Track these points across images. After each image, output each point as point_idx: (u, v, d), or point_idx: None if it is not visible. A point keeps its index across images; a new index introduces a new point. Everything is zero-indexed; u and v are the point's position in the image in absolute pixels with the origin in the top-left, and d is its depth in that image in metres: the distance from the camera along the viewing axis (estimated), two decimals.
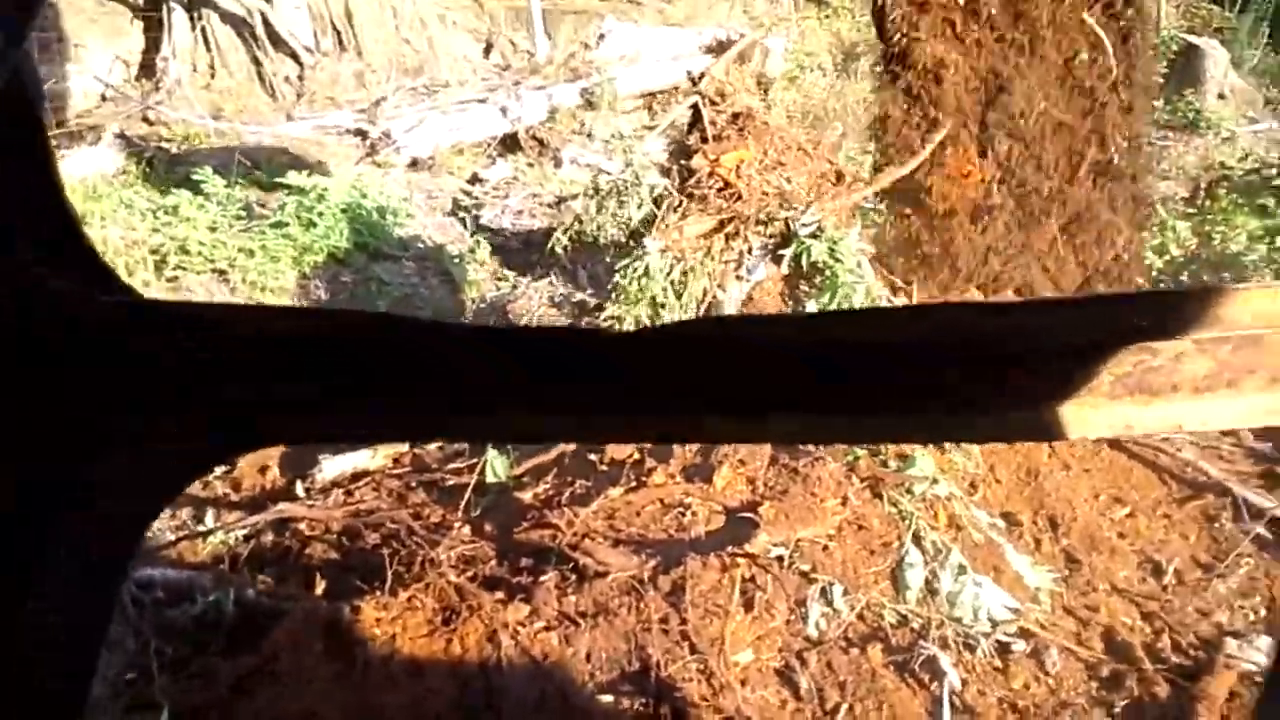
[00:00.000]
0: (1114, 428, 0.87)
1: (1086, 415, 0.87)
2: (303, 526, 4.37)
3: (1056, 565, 4.24)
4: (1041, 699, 3.65)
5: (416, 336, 0.81)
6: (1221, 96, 11.61)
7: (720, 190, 4.44)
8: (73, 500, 0.81)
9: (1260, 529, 4.49)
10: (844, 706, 3.45)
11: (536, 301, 6.70)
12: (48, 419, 0.79)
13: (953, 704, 3.51)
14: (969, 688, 3.61)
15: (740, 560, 3.68)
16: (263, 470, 4.94)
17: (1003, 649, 3.77)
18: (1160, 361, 0.83)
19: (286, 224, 7.28)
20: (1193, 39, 12.06)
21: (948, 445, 4.30)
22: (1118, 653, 3.87)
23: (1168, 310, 0.82)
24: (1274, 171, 7.97)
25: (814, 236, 4.34)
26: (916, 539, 3.85)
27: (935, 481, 4.00)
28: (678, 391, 0.82)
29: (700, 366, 0.81)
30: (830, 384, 0.81)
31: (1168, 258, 6.99)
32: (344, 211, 7.53)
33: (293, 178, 7.84)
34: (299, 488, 4.70)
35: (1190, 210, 7.73)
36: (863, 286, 4.31)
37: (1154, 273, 6.86)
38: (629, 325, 4.52)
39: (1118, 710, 3.60)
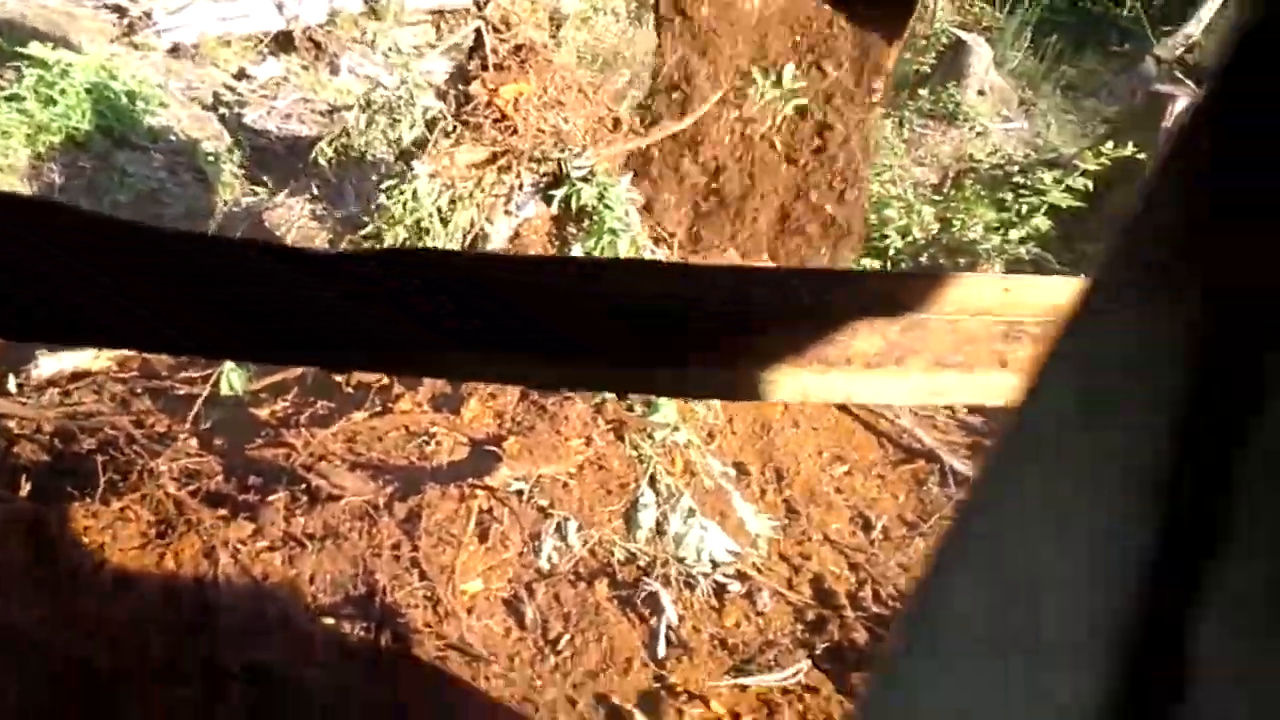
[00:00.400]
0: (792, 394, 0.92)
1: (772, 380, 0.92)
2: (11, 424, 4.03)
3: (777, 515, 4.49)
4: (750, 637, 3.88)
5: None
6: (981, 93, 12.41)
7: (496, 121, 4.37)
8: None
9: (963, 494, 4.92)
10: (565, 637, 3.55)
11: (297, 213, 6.39)
12: None
13: (668, 638, 3.68)
14: (685, 624, 3.80)
15: (479, 492, 3.70)
16: None
17: (720, 589, 3.98)
18: (837, 335, 0.89)
19: (23, 98, 6.60)
20: (962, 34, 12.82)
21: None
22: (824, 599, 4.16)
23: (846, 287, 0.88)
24: (1016, 168, 8.63)
25: (585, 180, 4.35)
26: (652, 481, 3.99)
27: (676, 429, 4.14)
28: (423, 321, 0.81)
29: (454, 300, 0.80)
30: (575, 332, 0.82)
31: (910, 239, 7.46)
32: (89, 92, 6.90)
33: (35, 49, 7.11)
34: (10, 383, 4.33)
35: (936, 197, 8.27)
36: (629, 235, 4.37)
37: (894, 252, 7.32)
38: (390, 245, 4.41)
39: (819, 651, 3.89)
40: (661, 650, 3.66)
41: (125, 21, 9.45)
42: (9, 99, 6.65)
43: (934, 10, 14.45)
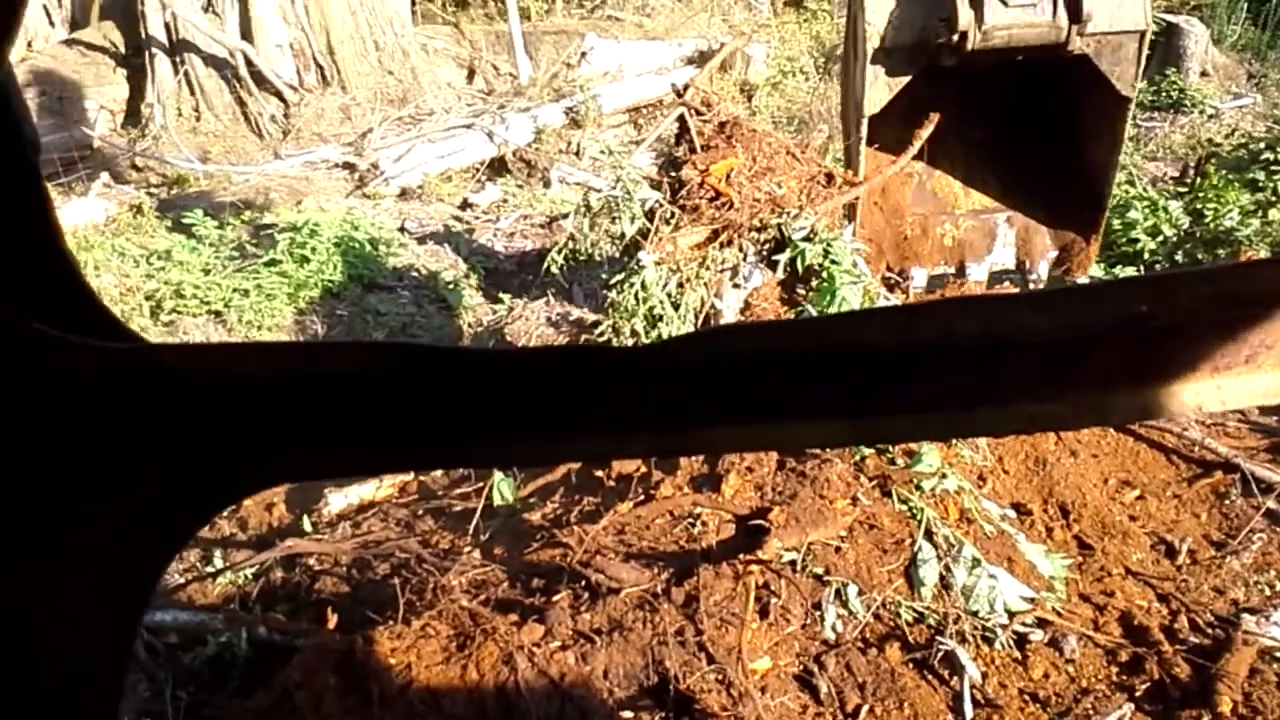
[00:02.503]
0: (1135, 413, 0.85)
1: (1101, 402, 0.86)
2: (312, 561, 4.35)
3: (1070, 552, 4.22)
4: (1062, 687, 3.62)
5: (412, 364, 0.80)
6: (1204, 74, 11.63)
7: (712, 200, 4.43)
8: (79, 553, 0.80)
9: (1270, 503, 4.47)
10: (864, 708, 3.42)
11: (534, 322, 6.69)
12: (49, 471, 0.79)
13: (974, 698, 3.49)
14: (989, 680, 3.59)
15: (753, 567, 3.65)
16: (269, 508, 4.93)
17: (1021, 640, 3.75)
18: (1170, 344, 0.82)
19: (280, 261, 7.28)
20: (1171, 18, 12.09)
21: (954, 439, 4.28)
22: (1136, 636, 3.85)
23: (1171, 291, 0.81)
24: (1261, 146, 7.97)
25: (808, 240, 4.33)
26: (928, 535, 3.83)
27: (944, 476, 3.98)
28: (680, 405, 0.81)
29: (697, 380, 0.80)
30: (832, 387, 0.80)
31: (1161, 238, 6.98)
32: (337, 245, 7.54)
33: (284, 215, 7.86)
34: (306, 523, 4.69)
35: (1181, 189, 7.72)
36: (859, 286, 4.30)
37: (1148, 254, 6.85)
38: (625, 338, 4.51)
39: (1139, 693, 3.58)
40: (969, 712, 3.47)
41: (356, 176, 10.32)
42: (268, 264, 7.34)
43: None
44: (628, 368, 0.80)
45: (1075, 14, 4.66)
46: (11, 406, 0.75)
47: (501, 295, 7.60)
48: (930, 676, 3.59)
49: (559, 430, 0.82)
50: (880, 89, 4.82)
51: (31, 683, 0.83)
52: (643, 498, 4.12)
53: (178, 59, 11.19)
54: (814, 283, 4.37)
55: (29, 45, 11.86)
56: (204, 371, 0.79)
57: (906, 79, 4.84)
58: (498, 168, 10.68)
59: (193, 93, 11.33)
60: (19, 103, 0.85)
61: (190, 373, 0.78)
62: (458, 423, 0.81)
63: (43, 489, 0.77)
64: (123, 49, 11.72)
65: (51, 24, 12.25)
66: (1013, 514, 4.29)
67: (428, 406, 0.79)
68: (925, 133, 4.92)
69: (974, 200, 5.81)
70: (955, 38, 4.65)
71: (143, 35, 11.21)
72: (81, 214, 8.85)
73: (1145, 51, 5.02)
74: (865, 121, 4.93)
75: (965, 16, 4.61)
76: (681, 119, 4.69)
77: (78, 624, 0.83)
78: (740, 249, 4.41)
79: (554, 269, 5.22)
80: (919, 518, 3.88)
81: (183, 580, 4.46)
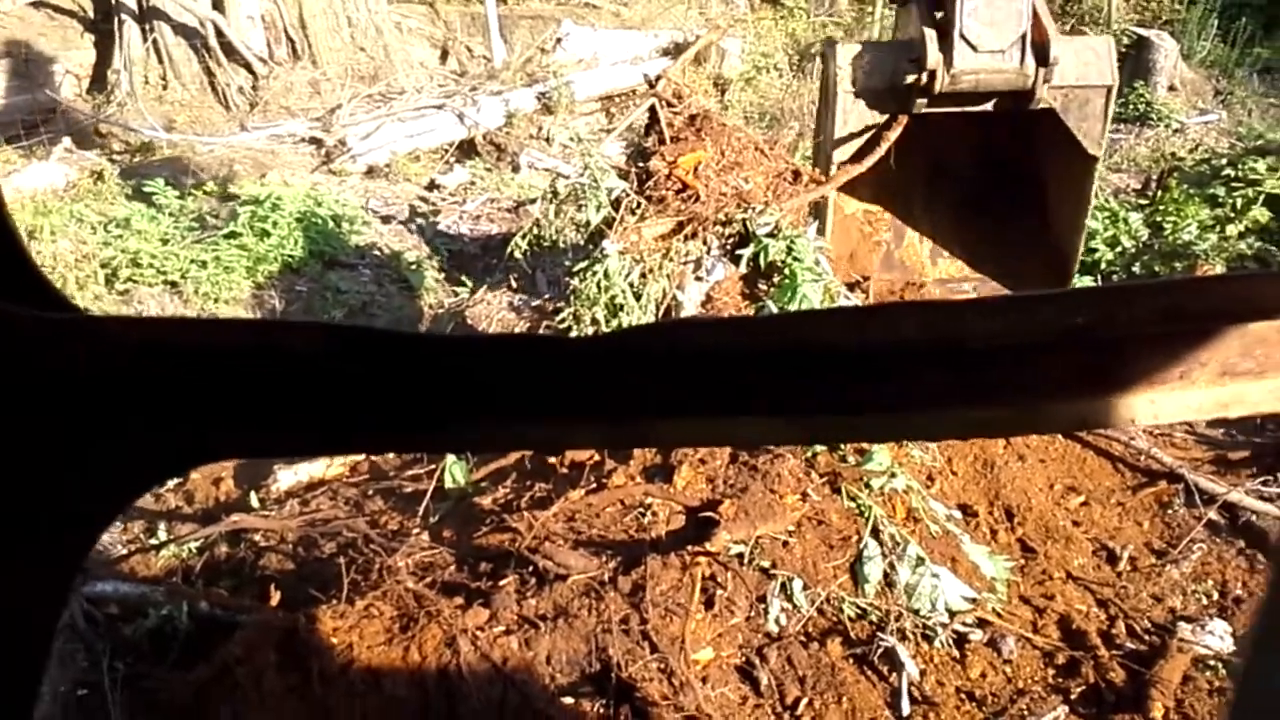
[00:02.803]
0: (1071, 423, 0.87)
1: (1043, 411, 0.87)
2: (257, 537, 4.32)
3: (1013, 555, 4.27)
4: (999, 687, 3.67)
5: (367, 348, 0.80)
6: (1172, 88, 11.77)
7: (678, 192, 4.44)
8: (14, 520, 0.80)
9: (1212, 514, 4.55)
10: (804, 701, 3.45)
11: (495, 307, 6.67)
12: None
13: (911, 695, 3.53)
14: (927, 678, 3.64)
15: (700, 559, 3.67)
16: (216, 482, 4.88)
17: (960, 639, 3.80)
18: (1109, 356, 0.83)
19: (240, 234, 7.20)
20: (1143, 31, 12.23)
21: (895, 441, 4.32)
22: (1074, 640, 3.91)
23: (1118, 304, 0.82)
24: (1224, 162, 8.09)
25: (771, 235, 4.34)
26: (875, 532, 3.87)
27: (893, 475, 4.01)
28: (629, 397, 0.81)
29: (648, 372, 0.80)
30: (782, 385, 0.81)
31: (1120, 249, 7.07)
32: (299, 220, 7.47)
33: (247, 188, 7.76)
34: (253, 498, 4.65)
35: (1142, 201, 7.82)
36: (820, 284, 4.32)
37: (1105, 264, 6.93)
38: (586, 327, 4.51)
39: (1074, 696, 3.64)
40: (906, 708, 3.51)
41: (323, 151, 10.20)
42: (228, 236, 7.25)
43: (1109, 11, 13.86)
44: (579, 357, 0.81)
45: (1043, 59, 4.73)
46: None
47: (464, 278, 7.56)
48: (870, 672, 3.63)
49: (507, 418, 0.82)
50: (852, 129, 4.91)
51: None
52: (594, 486, 4.12)
53: (147, 26, 11.01)
54: (776, 279, 4.38)
55: None
56: (145, 342, 0.78)
57: (876, 122, 4.91)
58: (467, 150, 10.62)
59: (161, 61, 11.15)
60: None
61: (131, 343, 0.78)
62: (406, 408, 0.81)
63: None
64: (91, 14, 11.52)
65: None
66: (959, 515, 4.34)
67: (377, 390, 0.79)
68: (893, 134, 4.94)
69: (941, 269, 5.87)
70: (924, 78, 4.74)
71: (112, 1, 11.03)
72: (41, 178, 8.69)
73: (1111, 109, 5.10)
74: (834, 166, 5.01)
75: (934, 58, 4.70)
76: (652, 110, 4.69)
77: (8, 594, 0.82)
78: (704, 242, 4.41)
79: (518, 254, 5.21)
80: (866, 515, 3.91)
81: (125, 552, 4.41)
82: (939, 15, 4.76)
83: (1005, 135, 5.43)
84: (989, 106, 4.99)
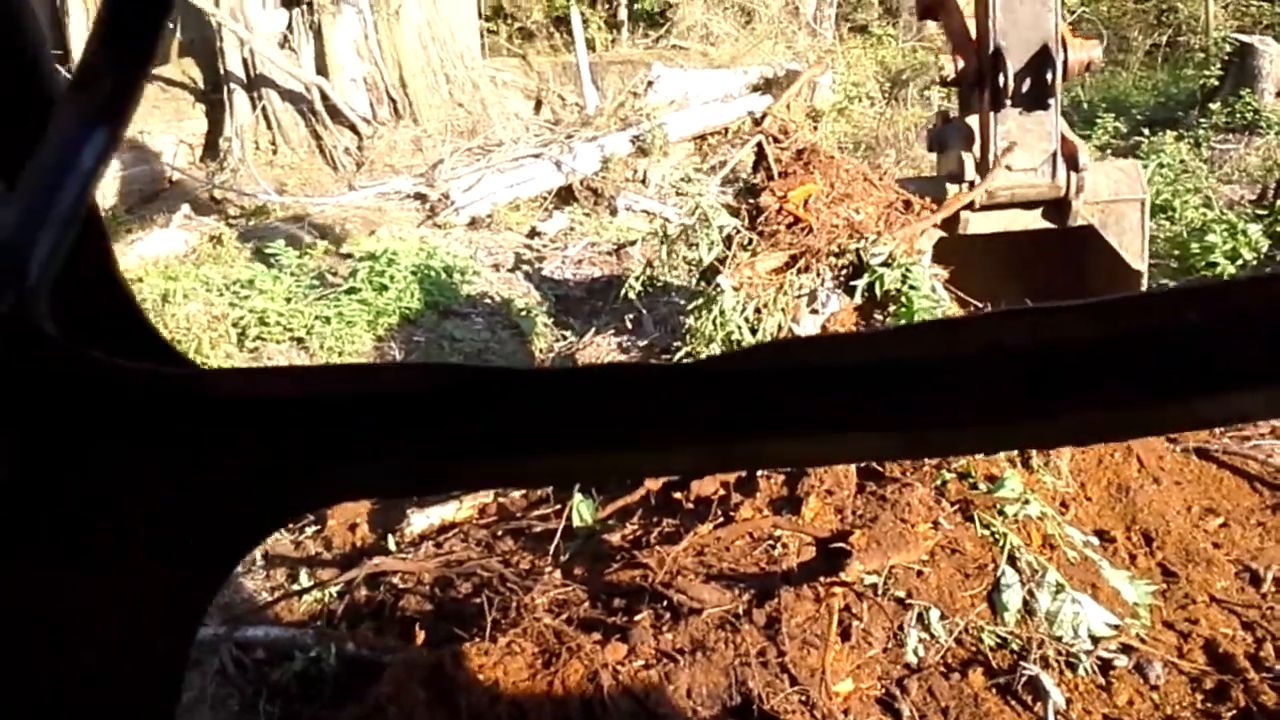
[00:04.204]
0: (1181, 424, 0.87)
1: (1147, 412, 0.86)
2: (396, 579, 4.44)
3: (1153, 579, 4.17)
4: (1147, 714, 3.58)
5: (456, 384, 0.83)
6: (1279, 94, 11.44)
7: (790, 226, 4.49)
8: (128, 583, 0.82)
9: None
10: None
11: (604, 349, 6.77)
12: (95, 498, 0.80)
13: None
14: (1073, 706, 3.56)
15: (835, 590, 3.67)
16: (352, 528, 5.04)
17: (1105, 666, 3.71)
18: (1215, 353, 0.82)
19: (359, 289, 7.47)
20: (1244, 38, 11.92)
21: (1036, 465, 4.27)
22: (1221, 663, 3.79)
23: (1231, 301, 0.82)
24: None
25: (886, 265, 4.36)
26: (1011, 560, 3.81)
27: (1026, 502, 3.96)
28: (725, 418, 0.84)
29: (742, 392, 0.82)
30: (880, 399, 0.83)
31: (1240, 262, 6.87)
32: (413, 273, 7.71)
33: (361, 244, 8.06)
34: (389, 542, 4.79)
35: (1260, 212, 7.60)
36: (938, 311, 4.31)
37: (1227, 278, 6.75)
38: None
39: None
40: None
41: (427, 206, 10.53)
42: (348, 292, 7.53)
43: (1206, 20, 13.55)
44: (670, 381, 0.82)
45: (1073, 166, 5.02)
46: (57, 428, 0.77)
47: (571, 321, 7.70)
48: (1014, 702, 3.56)
49: (603, 445, 0.84)
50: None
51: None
52: (722, 520, 4.15)
53: (255, 94, 11.53)
54: (892, 308, 4.39)
55: None
56: (249, 394, 0.81)
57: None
58: (565, 196, 10.84)
59: (269, 126, 11.67)
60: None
61: (236, 396, 0.80)
62: (501, 440, 0.82)
63: (90, 517, 0.79)
64: (201, 84, 12.11)
65: None
66: (1095, 541, 4.25)
67: (472, 425, 0.81)
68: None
69: None
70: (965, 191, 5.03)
71: (221, 71, 11.59)
72: (163, 245, 9.14)
73: (1148, 222, 5.37)
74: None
75: (971, 176, 5.04)
76: (759, 146, 4.76)
77: (121, 658, 0.85)
78: (818, 274, 4.45)
79: (631, 295, 5.30)
80: (1001, 543, 3.86)
81: (270, 598, 4.58)
82: (975, 138, 5.12)
83: (1050, 263, 5.49)
84: (1035, 215, 5.21)
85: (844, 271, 4.47)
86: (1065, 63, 4.77)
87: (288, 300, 7.29)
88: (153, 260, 8.68)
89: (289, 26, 11.57)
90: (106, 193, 10.53)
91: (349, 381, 0.86)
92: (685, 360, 4.55)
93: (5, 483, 0.77)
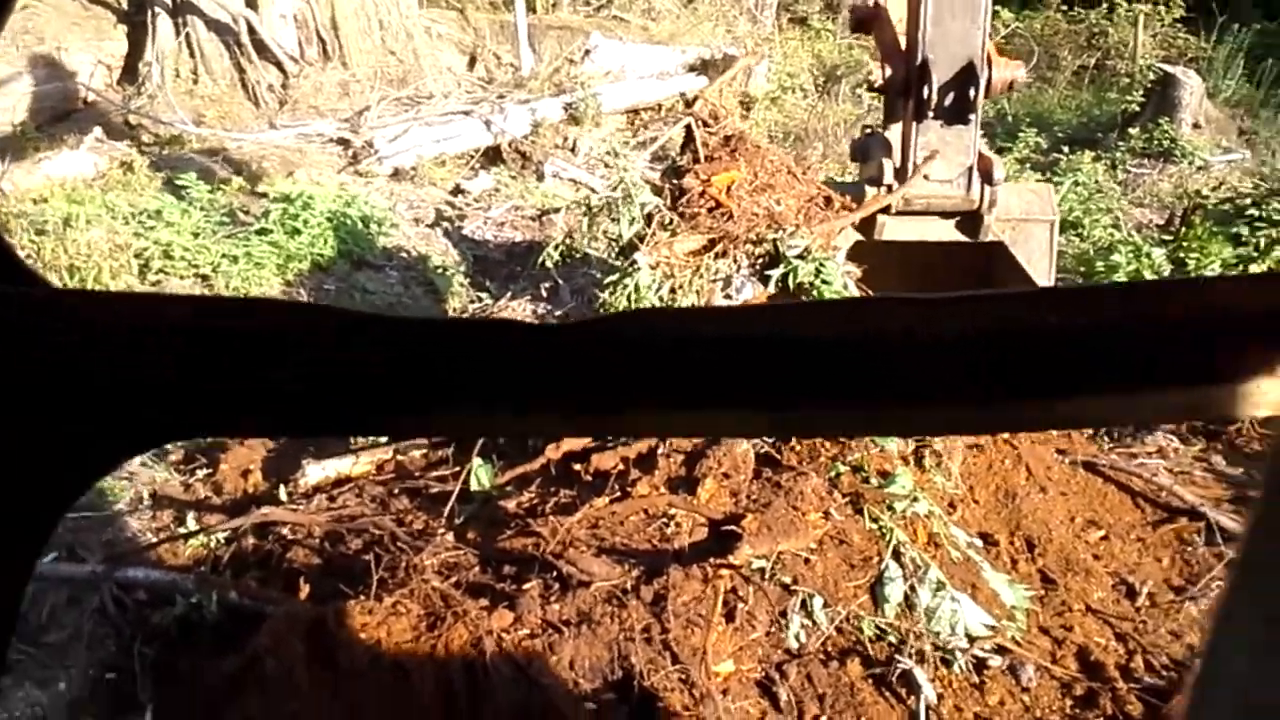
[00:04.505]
0: (1043, 423, 0.89)
1: (1012, 411, 0.87)
2: (285, 530, 4.36)
3: (1033, 585, 4.30)
4: (1016, 715, 3.70)
5: (340, 327, 0.81)
6: (1196, 125, 11.82)
7: (711, 210, 4.50)
8: None
9: (1232, 553, 4.57)
10: (822, 719, 3.49)
11: (519, 314, 6.73)
12: None
13: (929, 718, 3.55)
14: (945, 702, 3.66)
15: (723, 572, 3.71)
16: (245, 474, 4.93)
17: (979, 665, 3.82)
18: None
19: (271, 230, 7.28)
20: (1169, 68, 12.28)
21: (928, 465, 4.36)
22: (1092, 671, 3.92)
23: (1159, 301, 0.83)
24: (1248, 201, 8.13)
25: (801, 258, 4.40)
26: (896, 554, 3.90)
27: (915, 499, 4.05)
28: (603, 383, 0.83)
29: (622, 358, 0.81)
30: (760, 376, 0.82)
31: None
32: (329, 220, 7.54)
33: (277, 185, 7.84)
34: (281, 492, 4.70)
35: (1165, 237, 7.86)
36: None
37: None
38: None
39: None
40: None
41: (350, 152, 10.29)
42: (259, 232, 7.34)
43: (1134, 47, 13.92)
44: (553, 342, 0.81)
45: (987, 179, 5.20)
46: None
47: (488, 284, 7.63)
48: (888, 693, 3.65)
49: (480, 402, 0.82)
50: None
51: None
52: (619, 494, 4.16)
53: (180, 20, 11.12)
54: (803, 300, 4.43)
55: None
56: (112, 317, 0.79)
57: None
58: (492, 157, 10.70)
59: (192, 55, 11.26)
60: None
61: (97, 318, 0.78)
62: (389, 390, 0.80)
63: None
64: (125, 5, 11.64)
65: None
66: (979, 543, 4.36)
67: (353, 370, 0.79)
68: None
69: None
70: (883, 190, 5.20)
71: None
72: (71, 167, 8.79)
73: (1056, 244, 5.60)
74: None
75: (889, 181, 5.19)
76: (688, 128, 4.76)
77: None
78: (734, 260, 4.47)
79: (549, 264, 5.27)
80: (888, 537, 3.94)
81: (154, 540, 4.46)
82: (896, 145, 5.28)
83: (961, 275, 5.68)
84: (949, 226, 5.39)
85: (760, 260, 4.50)
86: (989, 80, 4.88)
87: (195, 235, 7.07)
88: (59, 181, 8.33)
89: None
90: (17, 107, 10.09)
91: (237, 313, 0.82)
92: None
93: None
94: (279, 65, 11.26)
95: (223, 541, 4.36)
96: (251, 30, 11.05)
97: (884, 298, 0.80)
